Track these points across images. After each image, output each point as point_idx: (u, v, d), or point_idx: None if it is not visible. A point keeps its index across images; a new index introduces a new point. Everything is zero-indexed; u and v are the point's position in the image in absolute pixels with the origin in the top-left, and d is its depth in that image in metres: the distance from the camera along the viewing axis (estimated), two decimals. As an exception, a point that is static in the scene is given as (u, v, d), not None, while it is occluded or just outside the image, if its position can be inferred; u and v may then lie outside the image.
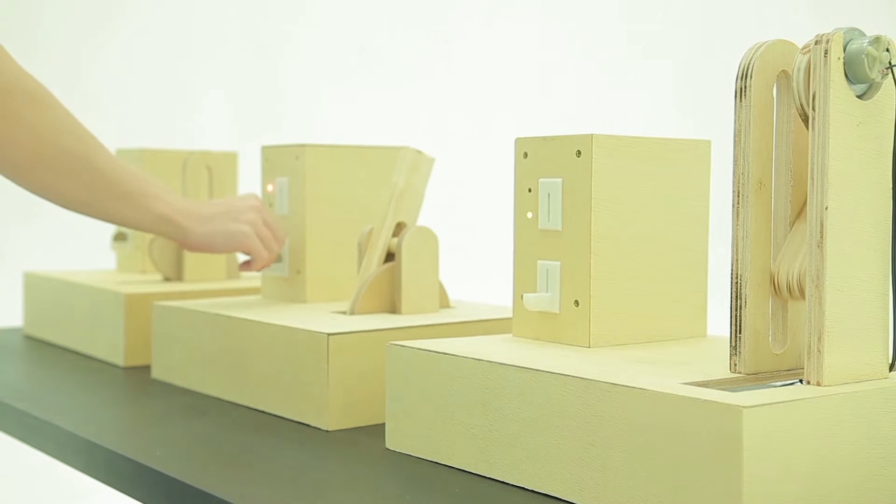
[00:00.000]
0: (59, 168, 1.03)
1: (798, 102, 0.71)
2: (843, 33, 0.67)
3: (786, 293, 0.72)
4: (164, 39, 2.87)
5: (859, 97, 0.68)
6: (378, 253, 1.07)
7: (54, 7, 2.75)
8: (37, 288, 1.46)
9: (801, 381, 0.70)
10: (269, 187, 1.19)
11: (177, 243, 1.16)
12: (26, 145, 1.01)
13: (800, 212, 0.74)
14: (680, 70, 2.64)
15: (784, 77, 0.73)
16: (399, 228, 1.08)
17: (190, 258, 1.36)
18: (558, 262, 0.84)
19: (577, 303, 0.83)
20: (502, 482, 0.75)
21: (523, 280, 0.87)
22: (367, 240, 1.08)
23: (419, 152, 1.09)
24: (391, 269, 1.06)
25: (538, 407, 0.72)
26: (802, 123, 0.73)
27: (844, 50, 0.67)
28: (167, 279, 1.37)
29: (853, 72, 0.67)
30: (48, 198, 1.06)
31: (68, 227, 2.47)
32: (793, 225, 0.73)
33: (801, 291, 0.70)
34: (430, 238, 1.07)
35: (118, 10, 2.83)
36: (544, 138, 0.85)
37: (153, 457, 0.84)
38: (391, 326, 0.96)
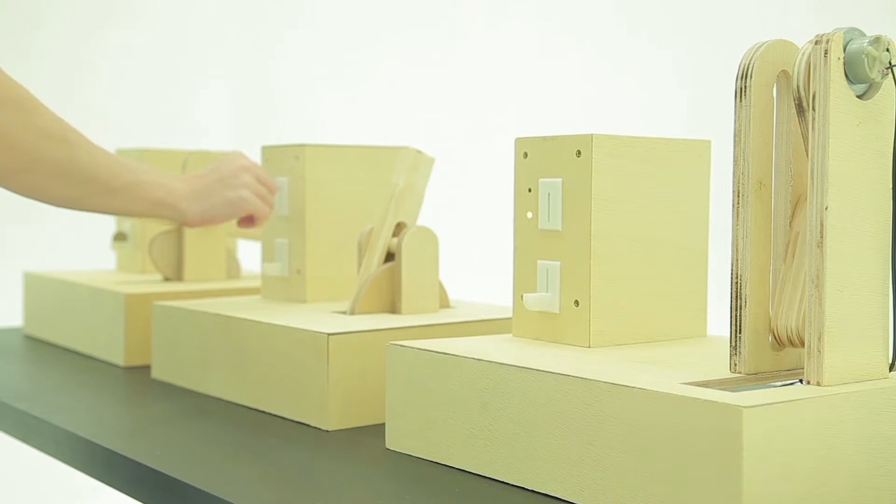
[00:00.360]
0: (43, 172, 1.02)
1: (797, 102, 0.71)
2: (843, 33, 0.67)
3: (787, 343, 0.72)
4: (164, 39, 2.87)
5: (859, 97, 0.68)
6: (378, 253, 1.07)
7: (54, 6, 2.75)
8: (37, 288, 1.46)
9: (801, 381, 0.70)
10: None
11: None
12: (5, 154, 0.99)
13: (794, 210, 0.74)
14: (680, 70, 2.64)
15: (784, 77, 0.73)
16: (399, 228, 1.08)
17: (190, 258, 1.36)
18: (558, 262, 0.84)
19: (577, 303, 0.83)
20: (502, 482, 0.75)
21: (523, 280, 0.87)
22: (367, 240, 1.08)
23: (419, 152, 1.09)
24: (391, 269, 1.06)
25: (538, 407, 0.72)
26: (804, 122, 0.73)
27: (844, 50, 0.67)
28: (167, 279, 1.37)
29: (853, 72, 0.67)
30: (37, 198, 1.05)
31: (68, 228, 2.47)
32: (791, 223, 0.73)
33: (801, 341, 0.71)
34: (430, 238, 1.07)
35: (117, 10, 2.83)
36: (544, 138, 0.85)
37: (153, 457, 0.84)
38: (391, 326, 0.96)
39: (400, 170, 1.09)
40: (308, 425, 0.94)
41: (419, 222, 1.10)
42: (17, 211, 2.65)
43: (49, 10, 2.73)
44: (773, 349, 0.73)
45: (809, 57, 0.70)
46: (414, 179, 1.09)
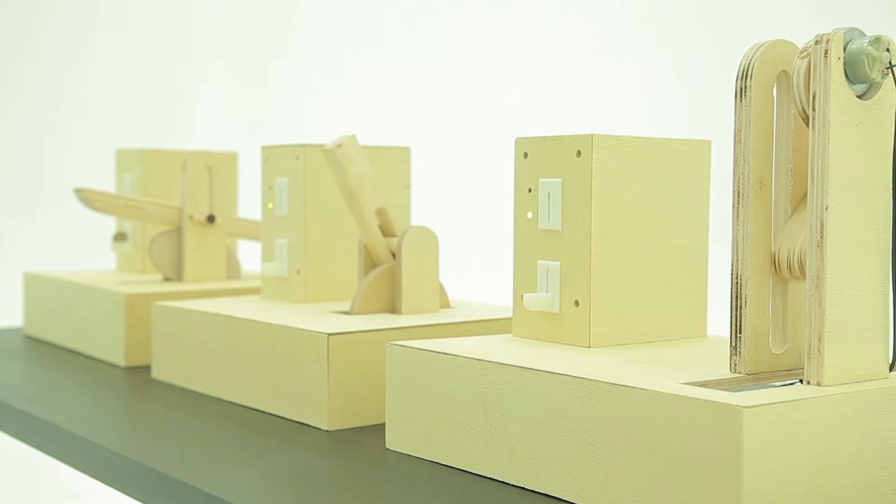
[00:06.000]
0: None
1: (798, 103, 0.71)
2: (844, 33, 0.67)
3: (786, 272, 0.71)
4: (164, 39, 2.87)
5: (859, 97, 0.68)
6: (376, 251, 1.06)
7: (53, 6, 2.75)
8: (37, 288, 1.46)
9: (801, 381, 0.70)
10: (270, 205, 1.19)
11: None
12: None
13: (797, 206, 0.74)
14: (680, 70, 2.64)
15: (784, 77, 0.73)
16: (383, 214, 1.06)
17: (190, 258, 1.36)
18: (558, 262, 0.84)
19: (577, 303, 0.83)
20: (502, 482, 0.75)
21: (523, 280, 0.87)
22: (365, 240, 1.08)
23: (332, 149, 1.03)
24: (391, 269, 1.06)
25: (538, 407, 0.72)
26: (802, 123, 0.73)
27: (845, 50, 0.67)
28: (167, 279, 1.37)
29: (853, 72, 0.67)
30: None
31: (68, 227, 2.47)
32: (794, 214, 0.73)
33: (802, 270, 0.70)
34: (430, 238, 1.07)
35: (116, 11, 2.83)
36: (544, 138, 0.85)
37: (153, 457, 0.84)
38: (391, 326, 0.96)
39: (337, 172, 1.05)
40: (308, 425, 0.94)
41: (417, 221, 1.10)
42: (17, 211, 2.65)
43: (48, 10, 2.73)
44: (775, 280, 0.72)
45: (810, 57, 0.69)
46: (351, 169, 1.05)
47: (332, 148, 1.04)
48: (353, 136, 1.05)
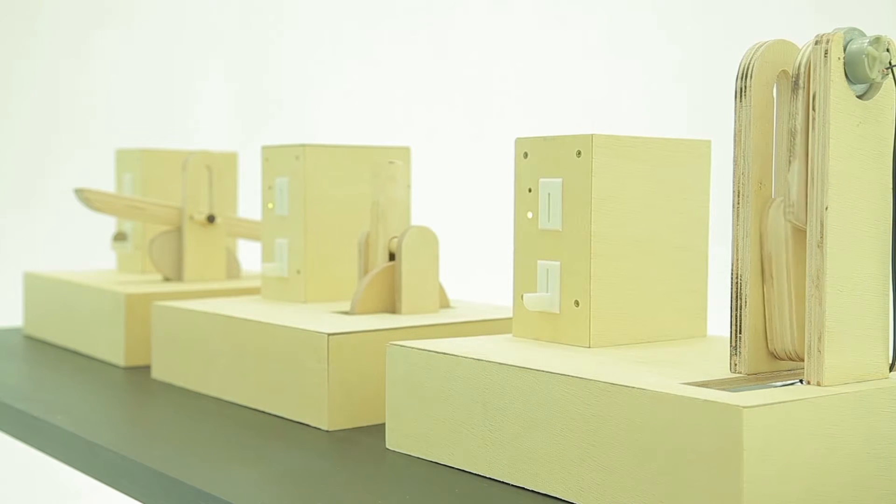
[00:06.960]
0: None
1: (794, 69, 0.71)
2: (844, 33, 0.67)
3: (787, 360, 0.72)
4: (163, 39, 2.87)
5: (859, 97, 0.68)
6: (376, 254, 1.07)
7: (52, 6, 2.75)
8: (37, 288, 1.46)
9: (801, 381, 0.70)
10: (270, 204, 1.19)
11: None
12: None
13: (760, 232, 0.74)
14: (681, 70, 2.64)
15: (784, 77, 0.73)
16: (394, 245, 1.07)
17: (190, 258, 1.36)
18: (558, 262, 0.84)
19: (577, 303, 0.83)
20: (502, 482, 0.75)
21: (523, 280, 0.87)
22: (367, 241, 1.08)
23: (391, 163, 1.07)
24: (391, 269, 1.06)
25: (538, 407, 0.72)
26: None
27: (844, 50, 0.67)
28: (167, 279, 1.37)
29: (853, 72, 0.67)
30: None
31: (68, 227, 2.47)
32: (762, 243, 0.73)
33: (801, 357, 0.71)
34: (430, 238, 1.07)
35: (115, 11, 2.83)
36: (544, 138, 0.85)
37: (153, 457, 0.84)
38: (391, 326, 0.96)
39: (377, 186, 1.07)
40: (308, 425, 0.94)
41: (417, 221, 1.10)
42: (17, 210, 2.65)
43: (47, 10, 2.73)
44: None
45: (809, 57, 0.70)
46: (392, 191, 1.07)
47: (382, 163, 1.07)
48: (405, 164, 1.09)
